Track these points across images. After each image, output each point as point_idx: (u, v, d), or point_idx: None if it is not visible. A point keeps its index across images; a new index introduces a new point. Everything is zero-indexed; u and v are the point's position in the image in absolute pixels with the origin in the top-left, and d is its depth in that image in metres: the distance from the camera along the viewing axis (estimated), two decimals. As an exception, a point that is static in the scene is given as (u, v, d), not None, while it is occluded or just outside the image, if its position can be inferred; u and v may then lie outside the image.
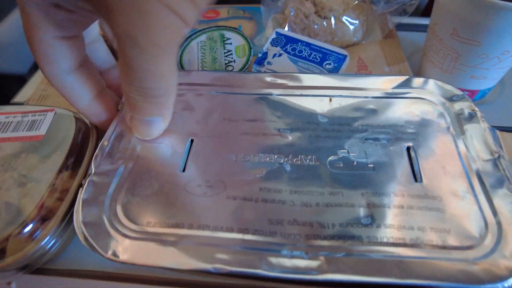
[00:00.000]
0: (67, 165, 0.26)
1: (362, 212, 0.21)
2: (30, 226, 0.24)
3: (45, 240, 0.24)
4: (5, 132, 0.29)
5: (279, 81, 0.29)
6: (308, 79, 0.29)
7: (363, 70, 0.37)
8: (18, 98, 0.42)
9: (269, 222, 0.21)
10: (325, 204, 0.22)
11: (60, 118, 0.29)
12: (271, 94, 0.28)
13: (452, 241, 0.20)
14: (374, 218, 0.21)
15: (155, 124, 0.24)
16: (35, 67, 0.88)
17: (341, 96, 0.28)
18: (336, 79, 0.29)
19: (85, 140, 0.28)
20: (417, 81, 0.28)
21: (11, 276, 0.25)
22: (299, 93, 0.28)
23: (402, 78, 0.29)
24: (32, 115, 0.30)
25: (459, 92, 0.27)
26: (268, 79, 0.29)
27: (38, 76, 0.44)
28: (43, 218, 0.24)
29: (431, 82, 0.28)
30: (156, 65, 0.19)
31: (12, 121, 0.29)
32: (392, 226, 0.20)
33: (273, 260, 0.19)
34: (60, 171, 0.26)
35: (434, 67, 0.37)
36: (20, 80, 0.86)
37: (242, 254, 0.20)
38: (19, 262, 0.24)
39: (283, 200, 0.22)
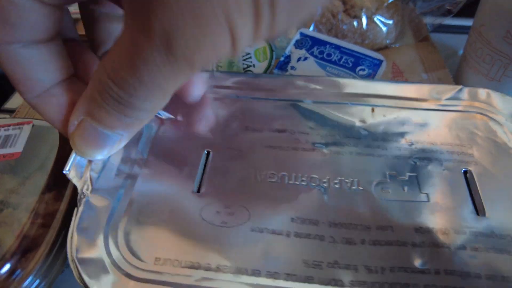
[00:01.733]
0: (50, 185, 0.23)
1: (416, 253, 0.18)
2: (9, 263, 0.20)
3: (28, 279, 0.20)
4: None
5: (312, 85, 0.25)
6: (347, 84, 0.25)
7: (398, 77, 0.33)
8: (10, 104, 0.39)
9: (305, 264, 0.17)
10: (372, 241, 0.18)
11: (39, 131, 0.26)
12: (302, 101, 0.24)
13: None
14: (431, 262, 0.17)
15: (111, 141, 0.18)
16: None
17: (384, 106, 0.24)
18: (379, 86, 0.25)
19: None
20: (473, 92, 0.25)
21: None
22: (336, 101, 0.24)
23: (455, 88, 0.25)
24: (5, 130, 0.26)
25: None
26: (299, 83, 0.25)
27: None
28: (25, 250, 0.21)
29: (491, 94, 0.24)
30: (168, 81, 0.15)
31: None
32: (454, 272, 0.17)
33: None
34: (42, 193, 0.23)
35: (477, 73, 0.33)
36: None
37: None
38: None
39: (320, 236, 0.18)
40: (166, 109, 0.23)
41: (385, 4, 0.35)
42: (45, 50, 0.17)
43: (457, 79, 0.37)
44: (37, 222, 0.22)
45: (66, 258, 0.19)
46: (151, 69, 0.14)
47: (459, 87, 0.25)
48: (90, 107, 0.17)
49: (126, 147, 0.21)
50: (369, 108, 0.24)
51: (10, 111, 0.37)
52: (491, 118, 0.23)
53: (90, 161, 0.20)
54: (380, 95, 0.24)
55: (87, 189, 0.19)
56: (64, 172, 0.19)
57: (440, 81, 0.34)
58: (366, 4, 0.34)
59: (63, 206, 0.22)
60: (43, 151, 0.24)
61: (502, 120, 0.23)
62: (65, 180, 0.23)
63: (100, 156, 0.19)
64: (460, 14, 0.38)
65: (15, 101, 0.39)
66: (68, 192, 0.23)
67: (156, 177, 0.21)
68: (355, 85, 0.25)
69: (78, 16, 0.21)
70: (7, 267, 0.20)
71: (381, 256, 0.18)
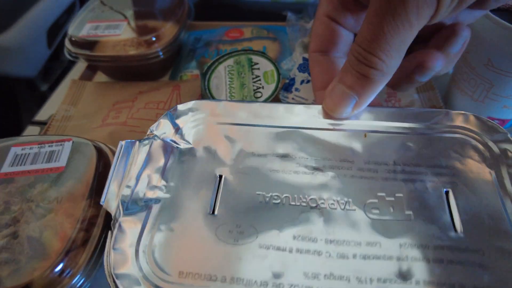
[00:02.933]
0: (91, 195, 0.26)
1: (400, 266, 0.20)
2: (60, 263, 0.23)
3: (76, 278, 0.24)
4: (23, 165, 0.28)
5: (310, 112, 0.27)
6: None
7: (392, 97, 0.36)
8: (40, 116, 0.42)
9: (305, 276, 0.20)
10: (362, 256, 0.21)
11: (78, 147, 0.29)
12: (301, 128, 0.27)
13: None
14: (412, 273, 0.20)
15: (350, 101, 0.24)
16: (43, 72, 0.89)
17: (376, 131, 0.26)
18: (371, 113, 0.28)
19: (107, 169, 0.28)
20: (457, 116, 0.27)
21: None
22: (332, 127, 0.27)
23: (439, 113, 0.27)
24: (49, 146, 0.29)
25: (502, 131, 0.26)
26: (298, 110, 0.28)
27: (59, 94, 0.44)
28: (68, 250, 0.24)
29: (472, 118, 0.26)
30: (400, 39, 0.20)
31: (29, 153, 0.29)
32: (432, 283, 0.19)
33: None
34: (84, 201, 0.25)
35: (464, 95, 0.37)
36: (29, 83, 0.87)
37: None
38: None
39: (318, 251, 0.21)
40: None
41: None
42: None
43: (446, 99, 0.40)
44: (79, 227, 0.25)
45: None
46: (388, 30, 0.20)
47: (444, 111, 0.27)
48: (341, 74, 0.23)
49: (151, 174, 0.24)
50: (362, 133, 0.26)
51: (41, 123, 0.41)
52: (472, 141, 0.25)
53: (118, 193, 0.23)
54: (371, 121, 0.27)
55: (118, 215, 0.22)
56: (100, 203, 0.23)
57: (430, 101, 0.37)
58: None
59: (102, 211, 0.26)
60: (82, 164, 0.27)
61: (482, 142, 0.25)
62: (102, 190, 0.27)
63: (344, 114, 0.25)
64: None
65: (44, 113, 0.42)
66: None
67: (176, 201, 0.23)
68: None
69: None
70: (59, 266, 0.23)
71: (370, 268, 0.20)
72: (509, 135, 0.25)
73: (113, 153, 0.29)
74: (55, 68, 0.96)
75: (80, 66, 0.47)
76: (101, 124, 0.36)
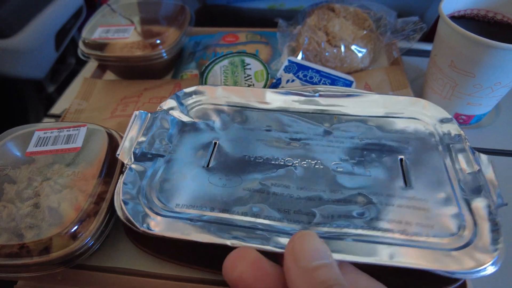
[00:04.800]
0: (101, 174, 0.30)
1: (358, 207, 0.25)
2: (73, 228, 0.27)
3: (87, 240, 0.28)
4: (45, 145, 0.32)
5: (294, 98, 0.33)
6: (318, 99, 0.33)
7: (369, 95, 0.41)
8: (54, 109, 0.46)
9: (278, 211, 0.25)
10: (327, 199, 0.26)
11: (92, 132, 0.33)
12: (285, 110, 0.32)
13: (434, 233, 0.23)
14: (368, 212, 0.25)
15: None
16: (51, 74, 0.93)
17: (344, 114, 0.31)
18: (342, 100, 0.32)
19: (116, 152, 0.32)
20: (414, 101, 0.32)
21: (56, 270, 0.28)
22: (310, 110, 0.32)
23: (400, 99, 0.32)
24: (67, 130, 0.34)
25: (448, 116, 0.31)
26: (280, 96, 0.33)
27: (72, 90, 0.49)
28: (81, 220, 0.28)
29: (426, 104, 0.31)
30: None
31: (50, 136, 0.33)
32: (383, 219, 0.24)
33: (281, 240, 0.23)
34: (95, 178, 0.30)
35: (434, 93, 0.41)
36: (37, 85, 0.91)
37: (254, 234, 0.24)
38: (62, 258, 0.27)
39: (291, 194, 0.26)
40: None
41: (360, 35, 0.43)
42: None
43: (420, 96, 0.44)
44: (90, 201, 0.28)
45: (112, 226, 0.28)
46: None
47: (404, 97, 0.32)
48: None
49: (157, 138, 0.30)
50: (333, 116, 0.31)
51: (56, 116, 0.45)
52: (424, 122, 0.31)
53: (132, 146, 0.28)
54: (341, 105, 0.32)
55: (130, 162, 0.28)
56: (116, 155, 0.28)
57: (403, 98, 0.41)
58: (344, 36, 0.42)
59: (111, 187, 0.30)
60: (95, 147, 0.31)
61: (431, 125, 0.30)
62: (112, 170, 0.31)
63: None
64: (431, 40, 0.44)
65: (59, 107, 0.47)
66: (114, 180, 0.30)
67: (178, 157, 0.29)
68: (324, 100, 0.32)
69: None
70: (73, 229, 0.27)
71: (332, 208, 0.25)
72: (453, 118, 0.30)
73: (122, 138, 0.33)
74: (61, 71, 1.00)
75: (91, 66, 0.52)
76: (110, 116, 0.40)
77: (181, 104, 0.32)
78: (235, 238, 0.23)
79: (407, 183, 0.26)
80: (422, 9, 0.57)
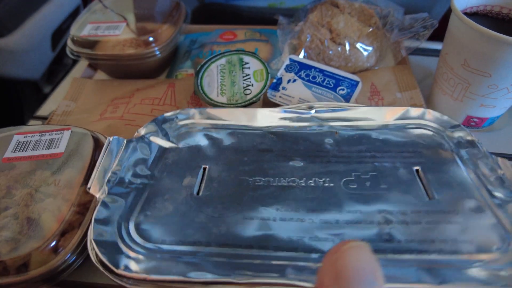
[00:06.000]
0: (86, 181, 0.27)
1: (381, 229, 0.22)
2: (54, 241, 0.25)
3: (68, 255, 0.25)
4: (25, 151, 0.30)
5: (289, 115, 0.30)
6: (315, 115, 0.30)
7: (375, 96, 0.38)
8: (41, 111, 0.44)
9: (289, 240, 0.22)
10: (345, 221, 0.23)
11: (76, 136, 0.31)
12: (281, 129, 0.30)
13: (474, 250, 0.21)
14: (393, 235, 0.22)
15: None
16: (47, 74, 0.91)
17: (346, 128, 0.29)
18: (341, 113, 0.30)
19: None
20: (416, 111, 0.30)
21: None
22: (308, 128, 0.29)
23: (402, 109, 0.30)
24: (49, 134, 0.31)
25: (455, 122, 0.29)
26: (279, 115, 0.30)
27: (60, 91, 0.46)
28: (64, 232, 0.25)
29: (430, 113, 0.29)
30: None
31: (30, 141, 0.31)
32: (413, 241, 0.21)
33: (294, 275, 0.20)
34: (79, 186, 0.27)
35: (444, 94, 0.38)
36: (33, 85, 0.89)
37: (263, 267, 0.20)
38: (43, 275, 0.25)
39: (301, 219, 0.23)
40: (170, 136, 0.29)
41: (365, 33, 0.40)
42: None
43: (429, 98, 0.42)
44: (73, 210, 0.26)
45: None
46: None
47: (405, 108, 0.30)
48: None
49: (135, 166, 0.26)
50: (333, 132, 0.29)
51: (42, 118, 0.43)
52: (433, 131, 0.29)
53: (105, 177, 0.25)
54: (341, 118, 0.29)
55: (102, 195, 0.24)
56: (86, 188, 0.24)
57: (412, 99, 0.39)
58: (349, 33, 0.40)
59: (95, 197, 0.28)
60: (80, 152, 0.29)
61: (441, 133, 0.28)
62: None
63: None
64: (438, 38, 0.42)
65: (46, 108, 0.44)
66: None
67: (161, 186, 0.26)
68: (320, 118, 0.30)
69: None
70: (53, 243, 0.24)
71: (353, 231, 0.22)
72: (460, 124, 0.28)
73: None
74: (58, 71, 0.98)
75: (81, 66, 0.50)
76: (99, 118, 0.37)
77: (161, 129, 0.29)
78: (240, 275, 0.20)
79: (430, 196, 0.24)
80: (429, 5, 0.55)
